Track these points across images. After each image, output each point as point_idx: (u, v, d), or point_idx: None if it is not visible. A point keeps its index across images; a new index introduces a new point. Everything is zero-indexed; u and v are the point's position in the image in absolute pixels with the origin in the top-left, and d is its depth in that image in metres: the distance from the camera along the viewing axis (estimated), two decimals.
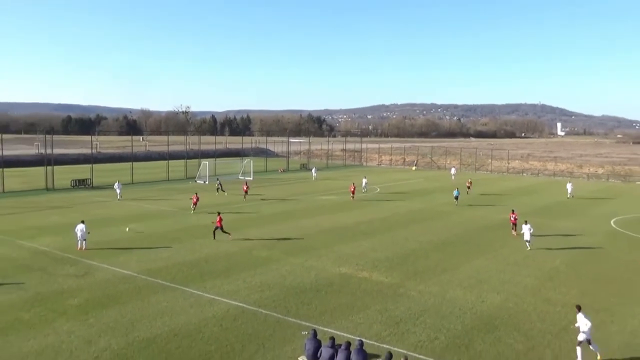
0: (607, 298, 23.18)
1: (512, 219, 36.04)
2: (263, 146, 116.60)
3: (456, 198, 49.08)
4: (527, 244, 31.59)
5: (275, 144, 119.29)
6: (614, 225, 41.37)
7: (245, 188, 51.95)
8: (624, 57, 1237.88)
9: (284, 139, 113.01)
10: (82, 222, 30.02)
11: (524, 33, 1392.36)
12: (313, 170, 76.51)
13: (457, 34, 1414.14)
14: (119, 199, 48.71)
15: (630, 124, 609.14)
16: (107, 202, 47.58)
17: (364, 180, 58.65)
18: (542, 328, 19.46)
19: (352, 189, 51.85)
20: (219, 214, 33.55)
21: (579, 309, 17.63)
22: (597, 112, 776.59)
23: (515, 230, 35.23)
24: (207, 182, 64.57)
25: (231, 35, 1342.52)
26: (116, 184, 50.67)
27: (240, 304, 21.25)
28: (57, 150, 73.72)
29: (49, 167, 56.48)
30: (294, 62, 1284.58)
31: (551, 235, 36.78)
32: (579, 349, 16.75)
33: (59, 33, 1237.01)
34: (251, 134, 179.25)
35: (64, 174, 62.11)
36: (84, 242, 29.20)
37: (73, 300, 21.24)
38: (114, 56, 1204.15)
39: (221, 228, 32.56)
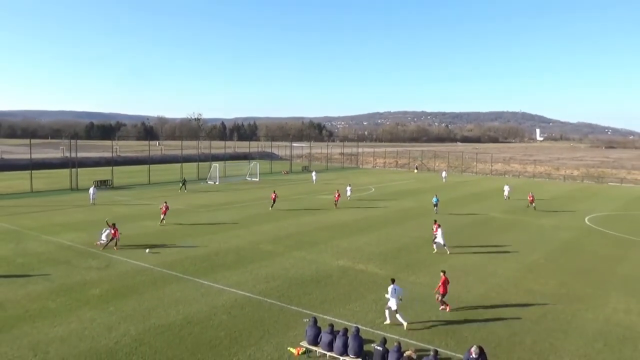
0: (583, 289, 23.14)
1: (434, 229, 30.14)
2: (268, 150, 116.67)
3: (435, 205, 43.90)
4: (434, 245, 29.38)
5: (280, 148, 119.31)
6: (588, 223, 41.30)
7: (273, 196, 44.42)
8: (597, 68, 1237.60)
9: (288, 143, 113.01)
10: (113, 225, 29.16)
11: (506, 46, 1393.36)
12: (313, 174, 72.05)
13: (445, 47, 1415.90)
14: (91, 204, 44.25)
15: (602, 130, 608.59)
16: (127, 201, 47.53)
17: (349, 188, 51.77)
18: (522, 315, 19.42)
19: (337, 197, 46.00)
20: (114, 225, 28.84)
21: (393, 281, 18.65)
22: (572, 119, 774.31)
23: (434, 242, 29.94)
24: (217, 182, 64.54)
25: (240, 49, 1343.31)
26: (91, 189, 45.86)
27: (247, 294, 21.21)
28: (81, 154, 73.62)
29: (74, 169, 56.37)
30: (297, 73, 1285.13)
31: (531, 231, 36.73)
32: (387, 311, 18.12)
33: (83, 44, 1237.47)
34: (257, 139, 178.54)
35: (87, 175, 62.00)
36: (103, 241, 28.61)
37: (95, 291, 21.21)
38: (134, 67, 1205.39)
39: (117, 239, 28.50)
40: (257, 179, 70.24)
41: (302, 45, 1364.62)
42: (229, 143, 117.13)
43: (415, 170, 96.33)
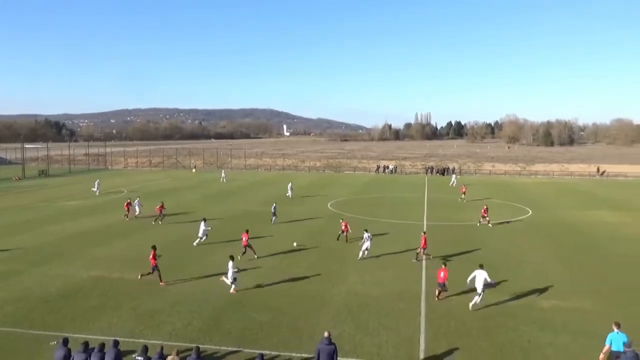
0: (329, 267, 25.99)
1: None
2: None
3: (274, 214, 38.73)
4: None
5: (8, 151, 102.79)
6: (330, 208, 46.53)
7: (344, 227, 32.36)
8: (331, 69, 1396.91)
9: (18, 145, 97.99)
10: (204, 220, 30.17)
11: (252, 46, 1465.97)
12: (96, 182, 56.94)
13: (192, 44, 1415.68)
14: None
15: (338, 125, 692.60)
16: None
17: (131, 201, 40.64)
18: (283, 299, 20.83)
19: (127, 206, 39.69)
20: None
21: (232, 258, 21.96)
22: (313, 116, 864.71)
23: None
24: None
25: None
26: None
27: None
28: None
29: None
30: (28, 62, 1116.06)
31: (287, 220, 39.58)
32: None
33: None
34: None
35: None
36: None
37: None
38: None
39: (156, 267, 22.82)
40: None
41: (35, 31, 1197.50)
42: None
43: (194, 170, 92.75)
